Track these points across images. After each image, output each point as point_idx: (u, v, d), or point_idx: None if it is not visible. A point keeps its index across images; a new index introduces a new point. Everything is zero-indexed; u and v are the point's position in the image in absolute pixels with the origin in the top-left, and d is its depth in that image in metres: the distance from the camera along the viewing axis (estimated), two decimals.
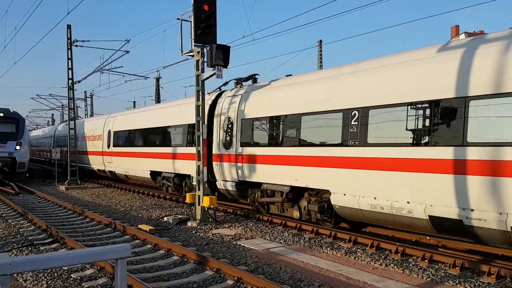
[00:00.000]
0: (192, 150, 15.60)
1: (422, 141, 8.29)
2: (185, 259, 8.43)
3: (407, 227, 9.08)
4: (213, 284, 6.99)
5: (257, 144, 12.67)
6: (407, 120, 8.56)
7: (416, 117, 8.41)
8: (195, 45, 12.24)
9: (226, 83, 16.02)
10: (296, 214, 11.75)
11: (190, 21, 12.32)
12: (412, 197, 8.43)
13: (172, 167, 17.45)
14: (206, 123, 14.46)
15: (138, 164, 20.28)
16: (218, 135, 14.46)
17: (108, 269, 7.53)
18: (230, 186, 13.91)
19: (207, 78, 12.46)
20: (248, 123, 13.04)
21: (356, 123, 9.50)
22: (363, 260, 8.44)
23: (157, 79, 43.89)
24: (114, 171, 23.41)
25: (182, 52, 13.20)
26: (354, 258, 8.61)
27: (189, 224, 12.32)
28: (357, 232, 10.76)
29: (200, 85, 12.65)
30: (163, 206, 16.21)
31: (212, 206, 12.21)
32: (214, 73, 11.90)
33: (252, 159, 12.77)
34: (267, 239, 10.36)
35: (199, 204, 12.62)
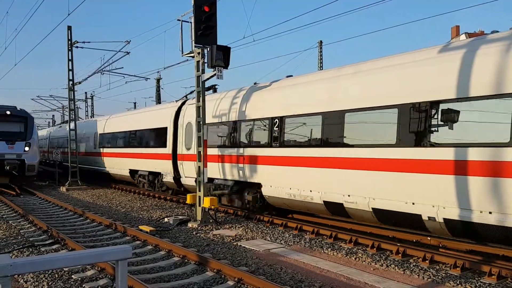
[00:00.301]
0: (161, 150, 17.99)
1: (316, 143, 10.63)
2: (186, 260, 8.43)
3: (312, 211, 11.31)
4: (213, 285, 6.99)
5: (210, 145, 14.45)
6: (306, 126, 10.95)
7: (312, 124, 10.76)
8: (195, 46, 12.24)
9: (191, 92, 17.89)
10: (239, 203, 13.79)
11: (191, 22, 12.33)
12: (313, 186, 10.69)
13: (147, 166, 19.57)
14: (172, 127, 17.23)
15: (119, 164, 22.54)
16: (181, 138, 16.48)
17: (109, 270, 7.53)
18: (191, 182, 15.80)
19: (208, 79, 12.46)
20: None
21: (277, 128, 11.85)
22: (364, 261, 8.44)
23: (158, 80, 43.91)
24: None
25: (182, 53, 13.21)
26: (355, 258, 8.61)
27: (189, 225, 12.32)
28: (358, 233, 10.78)
29: (200, 86, 12.66)
30: (163, 207, 16.21)
31: (212, 207, 12.21)
32: (215, 74, 11.90)
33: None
34: (268, 240, 10.36)
35: (199, 205, 12.62)
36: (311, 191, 10.78)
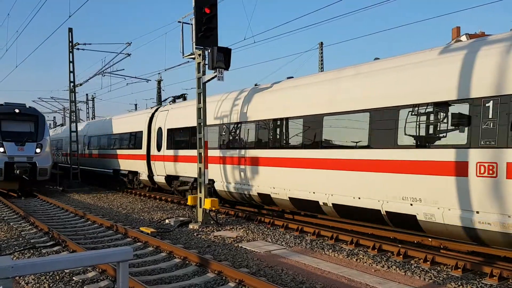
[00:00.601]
0: (138, 152, 20.29)
1: (250, 146, 13.00)
2: (187, 262, 8.43)
3: (250, 200, 13.55)
4: (214, 287, 6.99)
5: (175, 147, 17.14)
6: (243, 131, 13.40)
7: (248, 129, 13.22)
8: (196, 48, 12.26)
9: (165, 100, 20.88)
10: None
11: (191, 24, 12.35)
12: (249, 180, 13.10)
13: (127, 166, 21.72)
14: (146, 131, 19.72)
15: (104, 164, 24.84)
16: (153, 140, 18.89)
17: (110, 271, 7.53)
18: (161, 179, 18.38)
19: (209, 80, 12.48)
20: (170, 132, 17.66)
21: (224, 133, 14.41)
22: (365, 262, 8.43)
23: (159, 82, 43.88)
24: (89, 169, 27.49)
25: (183, 55, 13.24)
26: (356, 260, 8.61)
27: (190, 226, 12.32)
28: (359, 234, 10.77)
29: (201, 87, 12.68)
30: (164, 208, 16.21)
31: (213, 208, 12.22)
32: (216, 76, 11.91)
33: (173, 159, 17.28)
34: (269, 241, 10.36)
35: (200, 206, 12.62)
36: (249, 185, 13.11)
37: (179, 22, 13.25)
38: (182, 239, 10.78)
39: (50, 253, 9.38)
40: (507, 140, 6.97)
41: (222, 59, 11.73)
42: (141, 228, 11.74)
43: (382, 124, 9.07)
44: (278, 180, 11.91)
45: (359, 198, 9.60)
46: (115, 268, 7.28)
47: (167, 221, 13.17)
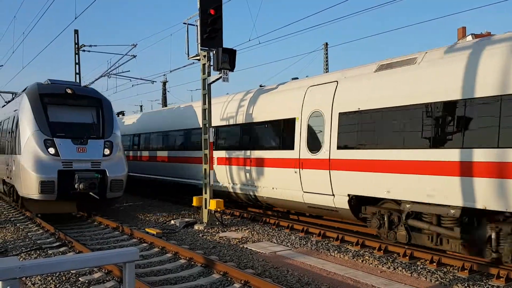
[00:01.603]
0: None
1: (158, 149, 19.17)
2: (192, 263, 8.44)
3: (158, 184, 19.66)
4: None
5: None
6: (160, 139, 19.22)
7: (163, 137, 18.99)
8: (201, 49, 12.28)
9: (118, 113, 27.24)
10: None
11: (196, 26, 12.39)
12: (163, 173, 18.72)
13: None
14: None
15: None
16: None
17: (115, 272, 7.56)
18: None
19: (214, 81, 12.50)
20: None
21: (148, 139, 20.59)
22: (371, 263, 8.41)
23: (164, 83, 44.03)
24: None
25: (188, 56, 13.27)
26: (362, 261, 8.58)
27: (196, 227, 12.34)
28: (365, 235, 10.74)
29: (206, 88, 12.70)
30: (170, 209, 16.25)
31: (219, 209, 12.22)
32: (221, 77, 11.94)
33: None
34: (274, 242, 10.35)
35: (205, 207, 12.63)
36: (157, 175, 19.31)
37: (184, 23, 13.29)
38: (187, 240, 10.80)
39: (57, 254, 9.43)
40: (253, 146, 13.09)
41: (227, 60, 11.75)
42: (147, 229, 11.77)
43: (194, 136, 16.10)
44: (182, 172, 17.46)
45: (185, 179, 16.45)
46: (121, 269, 7.31)
47: (172, 222, 13.20)
